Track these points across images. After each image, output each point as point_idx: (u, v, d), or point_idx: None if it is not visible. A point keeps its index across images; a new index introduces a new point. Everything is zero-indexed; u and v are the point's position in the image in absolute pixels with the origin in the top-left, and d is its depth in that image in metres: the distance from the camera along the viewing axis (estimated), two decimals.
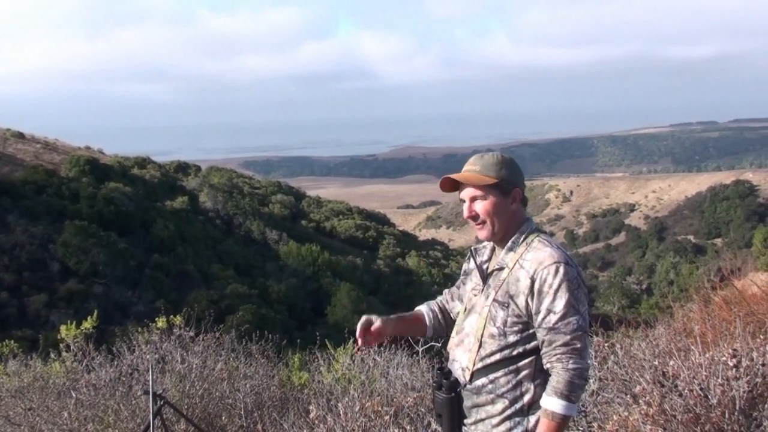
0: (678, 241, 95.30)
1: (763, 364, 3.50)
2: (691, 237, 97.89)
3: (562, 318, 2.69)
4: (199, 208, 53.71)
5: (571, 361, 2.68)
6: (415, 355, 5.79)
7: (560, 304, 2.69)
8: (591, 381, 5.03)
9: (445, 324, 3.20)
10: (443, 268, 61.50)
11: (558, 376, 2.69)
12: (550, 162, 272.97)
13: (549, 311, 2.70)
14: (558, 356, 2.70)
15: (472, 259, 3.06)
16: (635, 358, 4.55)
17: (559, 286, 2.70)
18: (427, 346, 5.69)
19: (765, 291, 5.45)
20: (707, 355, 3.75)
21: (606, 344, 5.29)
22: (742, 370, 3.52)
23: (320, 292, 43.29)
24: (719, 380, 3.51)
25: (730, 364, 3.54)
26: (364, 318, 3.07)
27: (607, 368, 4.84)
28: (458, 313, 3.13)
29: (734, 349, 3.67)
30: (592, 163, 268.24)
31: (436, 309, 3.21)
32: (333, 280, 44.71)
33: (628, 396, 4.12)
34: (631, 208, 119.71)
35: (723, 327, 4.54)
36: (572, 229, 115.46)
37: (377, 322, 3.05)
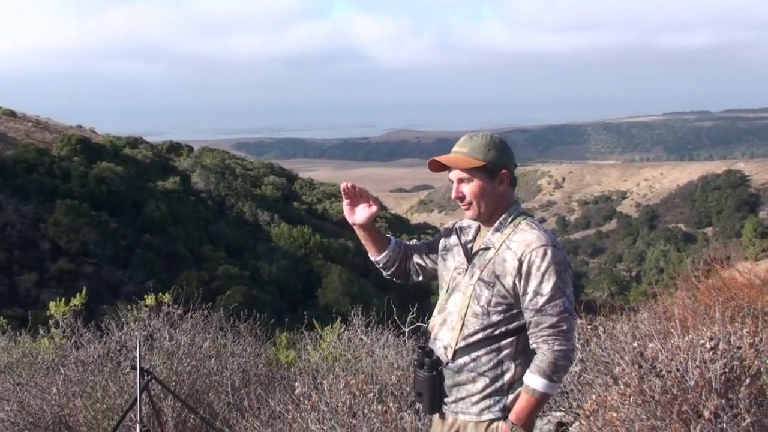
0: (669, 230, 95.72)
1: (739, 347, 3.57)
2: (681, 225, 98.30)
3: (549, 300, 2.74)
4: (191, 188, 53.61)
5: (557, 343, 2.74)
6: (401, 336, 5.85)
7: (548, 287, 2.74)
8: (573, 363, 5.12)
9: (398, 266, 3.16)
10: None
11: (543, 356, 2.75)
12: (542, 148, 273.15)
13: (536, 293, 2.75)
14: (544, 337, 2.75)
15: (454, 236, 3.07)
16: (617, 340, 4.62)
17: (547, 269, 2.74)
18: (414, 326, 5.75)
19: (746, 278, 5.53)
20: (686, 339, 3.81)
21: (589, 327, 5.36)
22: (719, 353, 3.58)
23: (311, 274, 43.34)
24: (697, 363, 3.57)
25: (708, 347, 3.60)
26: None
27: (590, 350, 4.92)
28: (418, 265, 3.16)
29: (712, 333, 3.73)
30: (584, 150, 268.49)
31: (402, 249, 3.16)
32: (324, 263, 44.76)
33: (609, 377, 4.18)
34: (623, 195, 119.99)
35: (703, 312, 4.62)
36: (564, 215, 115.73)
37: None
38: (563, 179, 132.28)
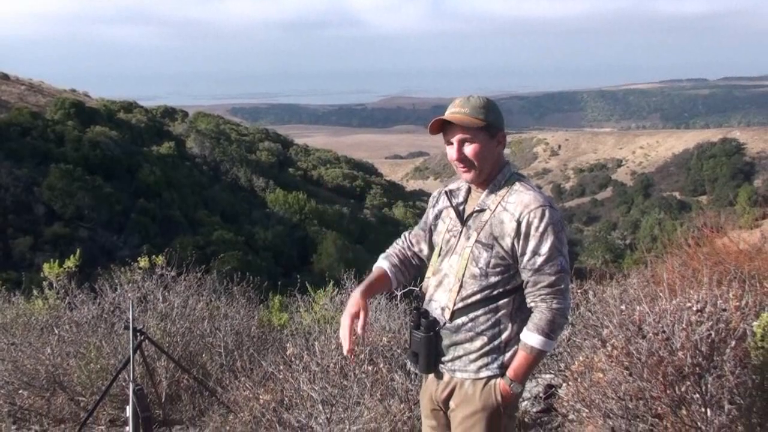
0: (663, 198, 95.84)
1: (724, 310, 3.61)
2: (676, 194, 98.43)
3: (547, 260, 2.77)
4: (186, 153, 53.45)
5: (555, 301, 2.78)
6: (393, 299, 5.88)
7: (546, 247, 2.76)
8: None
9: (407, 273, 3.22)
10: None
11: (541, 314, 2.79)
12: (539, 115, 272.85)
13: (535, 253, 2.77)
14: (543, 296, 2.79)
15: (444, 199, 3.09)
16: (606, 304, 4.66)
17: (545, 229, 2.77)
18: (406, 290, 5.79)
19: (735, 244, 5.58)
20: (674, 302, 3.85)
21: (580, 291, 5.40)
22: (705, 315, 3.62)
23: (306, 240, 43.43)
24: (683, 325, 3.61)
25: (695, 309, 3.64)
26: (345, 319, 2.97)
27: (580, 314, 4.97)
28: (426, 253, 3.18)
29: (699, 296, 3.77)
30: (580, 117, 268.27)
31: (396, 261, 3.19)
32: (319, 229, 44.85)
33: (597, 340, 4.23)
34: (619, 163, 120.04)
35: (691, 276, 4.66)
36: (559, 183, 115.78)
37: (359, 309, 2.97)
38: (559, 147, 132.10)
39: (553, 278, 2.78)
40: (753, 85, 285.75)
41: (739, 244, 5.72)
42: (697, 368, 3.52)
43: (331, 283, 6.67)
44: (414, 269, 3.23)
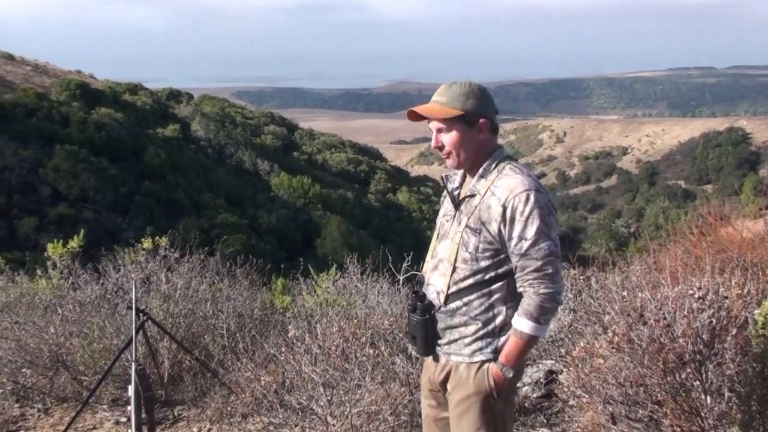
0: (668, 186, 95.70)
1: (726, 298, 3.61)
2: (681, 182, 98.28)
3: (533, 244, 2.76)
4: (191, 136, 53.43)
5: (542, 286, 2.77)
6: (396, 284, 5.89)
7: (531, 231, 2.76)
8: (565, 313, 5.18)
9: None
10: (434, 204, 61.74)
11: (530, 299, 2.79)
12: (545, 102, 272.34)
13: (521, 238, 2.77)
14: (530, 281, 2.79)
15: (444, 186, 3.12)
16: (608, 291, 4.66)
17: (531, 213, 2.76)
18: (408, 274, 5.79)
19: (739, 232, 5.58)
20: (676, 289, 3.85)
21: (582, 278, 5.40)
22: (707, 303, 3.62)
23: (310, 225, 43.47)
24: (685, 312, 3.61)
25: (696, 296, 3.64)
26: None
27: (581, 300, 4.97)
28: None
29: (701, 283, 3.76)
30: (586, 104, 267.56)
31: None
32: (323, 213, 44.87)
33: (598, 326, 4.23)
34: (624, 151, 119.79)
35: (694, 263, 4.66)
36: (564, 170, 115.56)
37: None
38: (564, 134, 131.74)
39: (540, 263, 2.78)
40: (761, 74, 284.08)
41: (743, 233, 5.71)
42: (698, 355, 3.52)
43: (334, 266, 6.69)
44: None
